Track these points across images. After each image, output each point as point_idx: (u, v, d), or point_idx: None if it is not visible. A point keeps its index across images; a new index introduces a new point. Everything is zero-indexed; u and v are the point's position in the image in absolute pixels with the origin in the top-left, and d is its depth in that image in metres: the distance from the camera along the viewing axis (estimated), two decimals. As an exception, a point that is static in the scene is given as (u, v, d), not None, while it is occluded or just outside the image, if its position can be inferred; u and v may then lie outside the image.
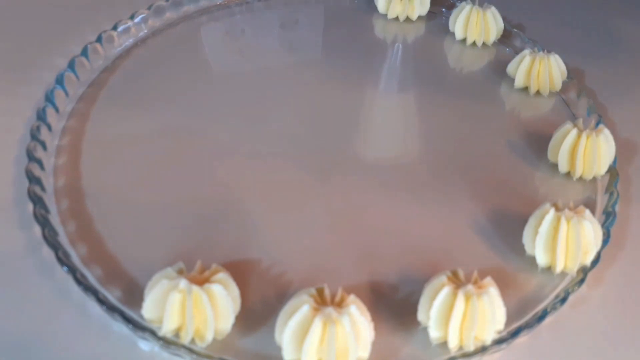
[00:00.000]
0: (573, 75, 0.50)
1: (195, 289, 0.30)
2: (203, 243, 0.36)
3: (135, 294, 0.32)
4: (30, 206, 0.36)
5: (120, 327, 0.31)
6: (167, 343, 0.30)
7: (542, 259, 0.35)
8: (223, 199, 0.39)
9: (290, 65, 0.52)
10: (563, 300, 0.33)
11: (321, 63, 0.52)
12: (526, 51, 0.49)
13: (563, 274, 0.35)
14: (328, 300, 0.30)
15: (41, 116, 0.42)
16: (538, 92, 0.49)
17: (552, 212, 0.35)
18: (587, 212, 0.35)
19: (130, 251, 0.35)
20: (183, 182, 0.40)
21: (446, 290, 0.31)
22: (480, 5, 0.54)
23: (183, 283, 0.30)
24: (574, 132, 0.41)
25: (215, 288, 0.30)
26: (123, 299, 0.33)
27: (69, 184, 0.39)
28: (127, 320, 0.31)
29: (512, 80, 0.50)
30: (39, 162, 0.39)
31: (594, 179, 0.42)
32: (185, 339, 0.30)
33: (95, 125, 0.43)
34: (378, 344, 0.31)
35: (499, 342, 0.31)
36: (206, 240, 0.36)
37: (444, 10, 0.58)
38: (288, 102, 0.47)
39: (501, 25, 0.54)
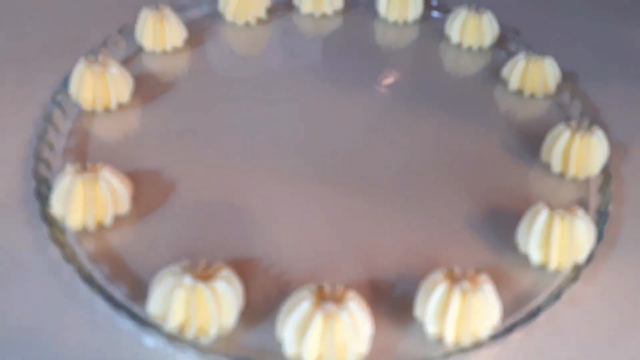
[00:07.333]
0: (567, 78, 0.50)
1: (200, 285, 0.30)
2: (207, 242, 0.37)
3: (140, 291, 0.33)
4: (38, 205, 0.36)
5: (126, 324, 0.31)
6: (172, 339, 0.31)
7: (536, 257, 0.36)
8: (226, 199, 0.40)
9: (291, 69, 0.52)
10: (557, 297, 0.34)
11: (321, 67, 0.53)
12: (521, 55, 0.50)
13: (557, 271, 0.36)
14: (328, 296, 0.31)
15: (49, 118, 0.42)
16: (532, 95, 0.49)
17: (545, 211, 0.35)
18: (581, 211, 0.36)
19: (136, 249, 0.36)
20: (188, 183, 0.40)
21: (442, 287, 0.31)
22: (476, 10, 0.54)
23: (188, 280, 0.30)
24: (568, 132, 0.41)
25: (219, 285, 0.31)
26: (129, 296, 0.33)
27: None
28: (133, 316, 0.31)
29: (507, 83, 0.50)
30: (46, 163, 0.39)
31: (587, 180, 0.42)
32: (189, 335, 0.31)
33: (101, 126, 0.44)
34: (377, 339, 0.31)
35: (494, 337, 0.32)
36: (210, 239, 0.37)
37: (439, 15, 0.59)
38: (289, 105, 0.48)
39: (497, 29, 0.55)
